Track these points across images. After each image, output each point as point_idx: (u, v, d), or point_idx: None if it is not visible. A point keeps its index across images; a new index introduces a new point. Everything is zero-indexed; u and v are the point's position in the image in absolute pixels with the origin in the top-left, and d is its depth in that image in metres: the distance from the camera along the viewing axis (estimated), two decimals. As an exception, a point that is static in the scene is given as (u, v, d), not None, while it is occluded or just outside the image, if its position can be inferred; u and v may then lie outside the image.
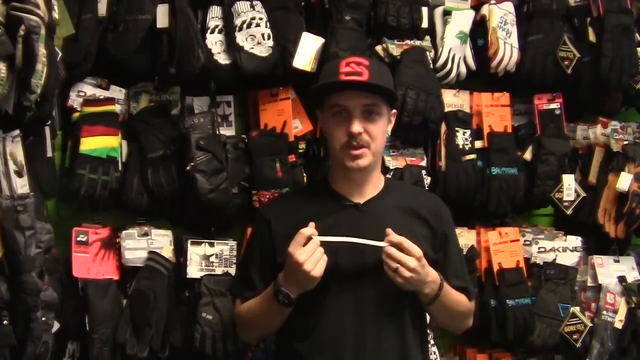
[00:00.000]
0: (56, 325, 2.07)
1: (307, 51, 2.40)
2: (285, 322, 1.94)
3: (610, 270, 2.77)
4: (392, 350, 1.91)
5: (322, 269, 1.81)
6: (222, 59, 2.32)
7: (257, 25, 2.33)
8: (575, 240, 2.78)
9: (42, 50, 1.86)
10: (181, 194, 2.32)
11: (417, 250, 1.83)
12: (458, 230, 2.48)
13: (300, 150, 2.48)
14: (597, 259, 2.77)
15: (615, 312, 2.69)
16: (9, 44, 1.81)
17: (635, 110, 3.00)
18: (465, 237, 2.62)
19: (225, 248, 2.39)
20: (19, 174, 2.04)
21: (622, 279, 2.74)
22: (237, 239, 2.44)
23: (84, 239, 2.26)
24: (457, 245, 2.14)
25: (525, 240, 2.73)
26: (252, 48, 2.31)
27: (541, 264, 2.72)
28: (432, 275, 1.90)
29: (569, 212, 2.75)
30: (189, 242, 2.36)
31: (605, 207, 2.77)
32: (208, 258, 2.38)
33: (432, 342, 2.44)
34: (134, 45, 2.24)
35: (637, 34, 2.82)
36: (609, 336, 2.68)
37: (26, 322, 1.91)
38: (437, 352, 2.51)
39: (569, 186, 2.74)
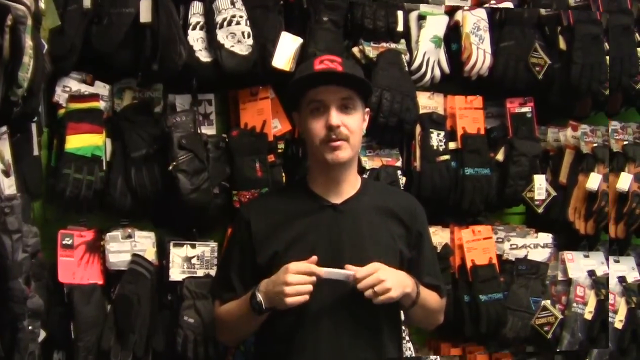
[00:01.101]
0: (42, 334, 1.96)
1: (286, 51, 2.39)
2: (264, 324, 1.94)
3: (580, 265, 2.81)
4: (369, 348, 1.94)
5: (296, 302, 1.80)
6: (204, 56, 2.30)
7: (238, 23, 2.32)
8: (546, 237, 2.81)
9: (28, 42, 1.71)
10: (163, 194, 2.30)
11: (369, 267, 1.85)
12: (432, 229, 2.51)
13: (279, 150, 2.47)
14: (568, 255, 2.81)
15: (585, 304, 2.73)
16: (-4, 36, 1.68)
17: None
18: (440, 235, 2.64)
19: (207, 249, 2.37)
20: (6, 173, 1.90)
21: (591, 273, 2.80)
22: (217, 240, 2.42)
23: (69, 242, 2.21)
24: (430, 244, 2.17)
25: (497, 238, 2.75)
26: (233, 46, 2.30)
27: (513, 260, 2.74)
28: (403, 273, 1.93)
29: (540, 210, 2.79)
30: (171, 244, 2.33)
31: (575, 205, 2.81)
32: (190, 260, 2.35)
33: (407, 338, 2.47)
34: (117, 39, 2.21)
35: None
36: (579, 327, 2.73)
37: (13, 332, 1.75)
38: (412, 348, 2.53)
39: (540, 186, 2.77)
